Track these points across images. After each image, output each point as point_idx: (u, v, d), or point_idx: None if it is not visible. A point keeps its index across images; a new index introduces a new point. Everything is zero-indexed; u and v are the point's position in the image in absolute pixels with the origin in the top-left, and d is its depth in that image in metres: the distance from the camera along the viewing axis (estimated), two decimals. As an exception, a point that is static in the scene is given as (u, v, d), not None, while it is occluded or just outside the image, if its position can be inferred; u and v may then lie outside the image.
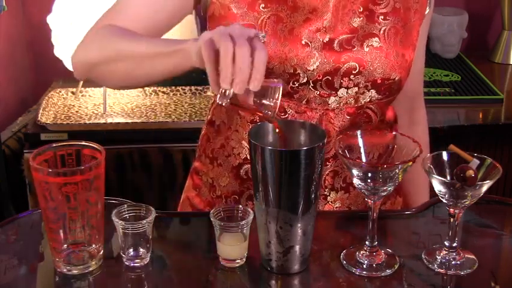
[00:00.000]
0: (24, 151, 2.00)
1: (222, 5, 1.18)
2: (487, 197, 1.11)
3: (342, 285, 1.03)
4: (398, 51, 1.20)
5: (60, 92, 2.23)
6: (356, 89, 1.19)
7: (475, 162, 1.02)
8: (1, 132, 2.10)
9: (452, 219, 1.05)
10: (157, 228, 1.14)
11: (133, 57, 1.13)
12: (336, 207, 1.25)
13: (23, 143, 2.05)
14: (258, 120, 1.21)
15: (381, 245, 1.08)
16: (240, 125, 1.23)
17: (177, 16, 1.23)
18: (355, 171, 1.02)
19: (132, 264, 1.06)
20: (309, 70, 1.17)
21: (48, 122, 2.03)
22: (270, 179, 0.99)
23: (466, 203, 1.02)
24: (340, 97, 1.19)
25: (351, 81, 1.18)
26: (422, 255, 1.08)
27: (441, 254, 1.07)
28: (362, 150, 1.07)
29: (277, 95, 0.99)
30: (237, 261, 1.06)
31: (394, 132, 1.12)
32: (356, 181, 1.03)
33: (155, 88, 2.26)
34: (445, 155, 1.06)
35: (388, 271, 1.05)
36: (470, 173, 0.99)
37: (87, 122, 2.08)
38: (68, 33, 2.04)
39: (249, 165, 1.20)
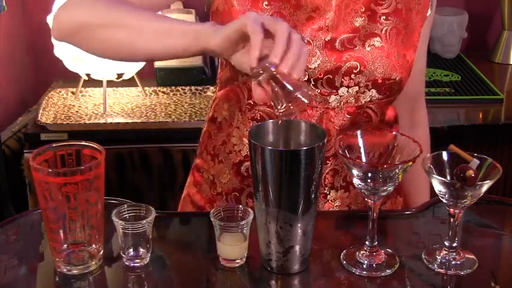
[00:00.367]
0: (24, 151, 2.00)
1: (226, 1, 1.18)
2: (487, 197, 1.11)
3: (342, 285, 1.03)
4: (400, 52, 1.20)
5: (60, 92, 2.23)
6: (357, 88, 1.19)
7: (475, 162, 1.02)
8: (1, 132, 2.10)
9: (452, 219, 1.04)
10: (157, 228, 1.14)
11: (140, 28, 1.11)
12: (336, 206, 1.25)
13: (23, 143, 2.05)
14: (259, 118, 1.21)
15: (381, 245, 1.08)
16: (242, 122, 1.23)
17: None
18: (355, 171, 1.02)
19: (132, 264, 1.06)
20: (310, 68, 1.17)
21: (48, 122, 2.03)
22: (270, 179, 0.99)
23: (466, 203, 1.02)
24: (340, 96, 1.19)
25: (351, 81, 1.18)
26: (422, 255, 1.08)
27: (441, 254, 1.07)
28: (362, 150, 1.07)
29: (296, 107, 0.97)
30: (237, 261, 1.06)
31: (394, 132, 1.12)
32: (356, 181, 1.03)
33: (155, 88, 2.26)
34: (445, 155, 1.06)
35: (388, 271, 1.05)
36: (470, 173, 0.99)
37: (87, 122, 2.08)
38: (68, 33, 2.04)
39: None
